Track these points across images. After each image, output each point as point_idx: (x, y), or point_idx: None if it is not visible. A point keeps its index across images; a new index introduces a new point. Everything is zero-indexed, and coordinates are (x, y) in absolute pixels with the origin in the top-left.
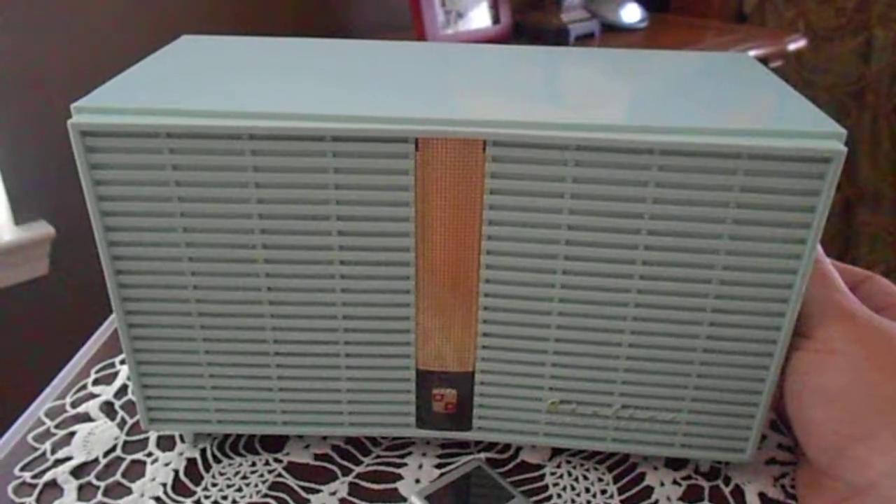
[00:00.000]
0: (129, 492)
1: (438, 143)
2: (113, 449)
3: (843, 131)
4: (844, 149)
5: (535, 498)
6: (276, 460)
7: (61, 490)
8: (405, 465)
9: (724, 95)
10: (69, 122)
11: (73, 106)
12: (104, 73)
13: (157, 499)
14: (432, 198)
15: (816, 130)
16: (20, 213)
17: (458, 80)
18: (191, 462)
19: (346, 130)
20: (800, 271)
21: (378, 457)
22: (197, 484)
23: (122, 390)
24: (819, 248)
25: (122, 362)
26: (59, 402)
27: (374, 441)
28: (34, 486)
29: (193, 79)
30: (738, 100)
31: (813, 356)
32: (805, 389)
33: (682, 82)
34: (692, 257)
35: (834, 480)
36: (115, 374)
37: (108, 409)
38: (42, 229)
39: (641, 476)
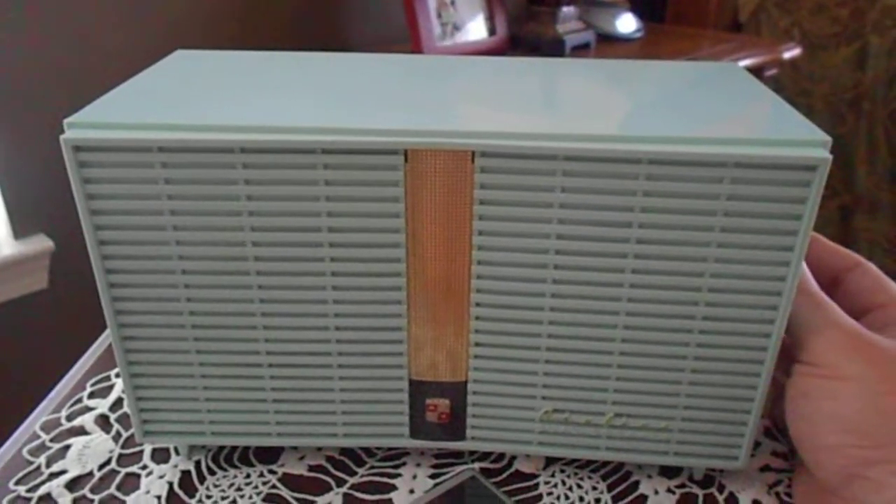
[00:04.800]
0: None
1: (427, 154)
2: (108, 462)
3: (829, 139)
4: (829, 156)
5: None
6: (271, 472)
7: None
8: (399, 475)
9: (712, 105)
10: (62, 137)
11: (65, 121)
12: (103, 86)
13: None
14: (422, 208)
15: (802, 139)
16: (19, 227)
17: (449, 92)
18: (185, 474)
19: (336, 143)
20: (788, 278)
21: (372, 467)
22: (192, 496)
23: (118, 403)
24: (804, 267)
25: (118, 375)
26: (54, 416)
27: (369, 452)
28: (29, 499)
29: (186, 93)
30: (725, 109)
31: (822, 382)
32: (817, 415)
33: (670, 92)
34: (681, 265)
35: (845, 501)
36: (111, 388)
37: (103, 422)
38: (41, 243)
39: (636, 484)
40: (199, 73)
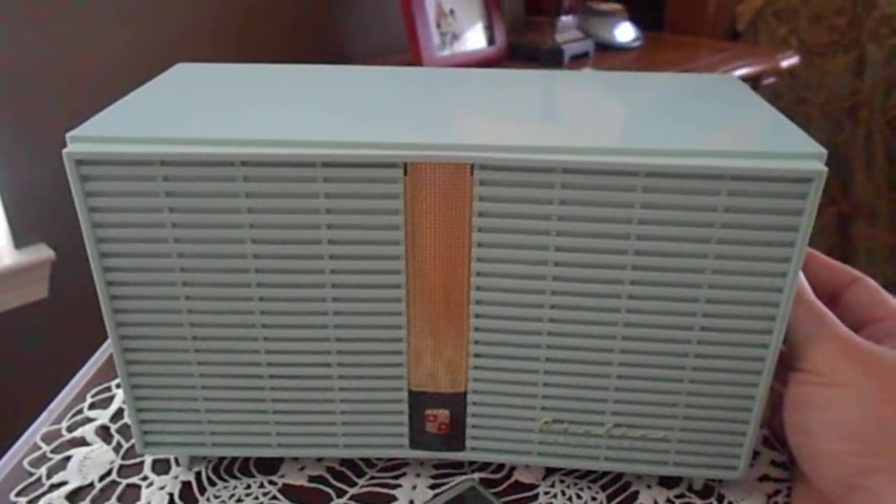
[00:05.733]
0: None
1: (427, 167)
2: (108, 473)
3: (824, 151)
4: (825, 169)
5: None
6: (271, 482)
7: None
8: (399, 486)
9: (708, 117)
10: (64, 151)
11: (68, 135)
12: (104, 98)
13: None
14: (422, 221)
15: (798, 151)
16: (20, 237)
17: (447, 105)
18: (186, 485)
19: (336, 156)
20: (785, 289)
21: (372, 478)
22: None
23: (118, 414)
24: (801, 276)
25: (118, 386)
26: (55, 427)
27: (369, 462)
28: None
29: (187, 107)
30: (722, 121)
31: (820, 390)
32: (816, 424)
33: (667, 104)
34: (679, 277)
35: None
36: (111, 398)
37: (104, 433)
38: (42, 253)
39: (635, 495)
40: (199, 87)
